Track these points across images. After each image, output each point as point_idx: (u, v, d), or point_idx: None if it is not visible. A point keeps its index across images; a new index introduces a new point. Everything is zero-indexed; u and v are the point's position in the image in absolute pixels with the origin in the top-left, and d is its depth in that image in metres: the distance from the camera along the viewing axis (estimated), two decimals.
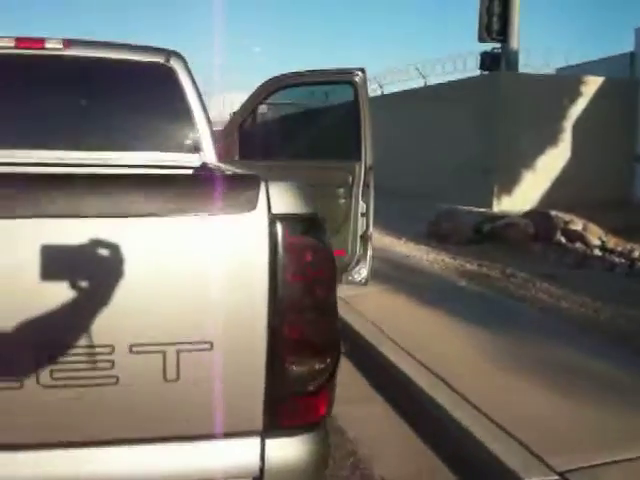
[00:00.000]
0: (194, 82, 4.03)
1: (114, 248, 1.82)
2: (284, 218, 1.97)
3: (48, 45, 3.84)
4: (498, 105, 14.38)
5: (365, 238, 5.04)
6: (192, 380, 1.92)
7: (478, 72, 16.00)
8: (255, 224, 1.93)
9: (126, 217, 1.85)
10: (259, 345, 1.96)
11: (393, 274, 7.40)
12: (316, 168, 5.04)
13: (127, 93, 4.06)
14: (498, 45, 15.56)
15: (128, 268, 1.84)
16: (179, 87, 3.95)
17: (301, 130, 5.77)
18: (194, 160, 3.96)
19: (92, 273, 1.85)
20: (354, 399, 4.46)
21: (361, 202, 4.97)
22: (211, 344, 1.92)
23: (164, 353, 1.89)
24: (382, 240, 10.08)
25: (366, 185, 4.97)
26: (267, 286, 1.94)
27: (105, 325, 1.84)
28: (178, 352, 1.89)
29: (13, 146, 3.77)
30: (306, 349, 2.05)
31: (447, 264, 8.19)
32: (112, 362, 1.86)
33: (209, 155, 4.00)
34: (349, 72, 4.91)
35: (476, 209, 13.51)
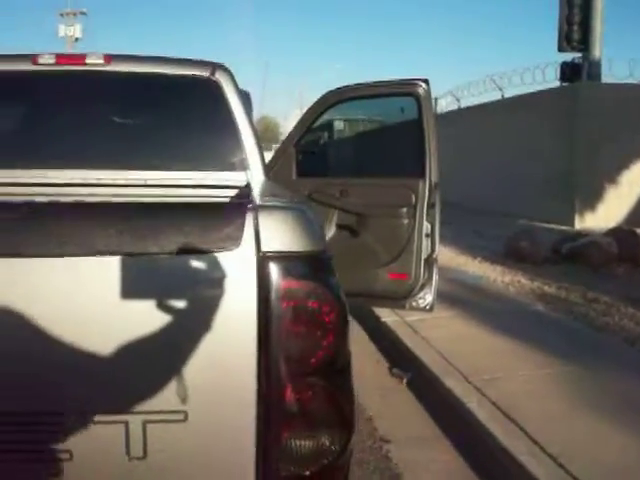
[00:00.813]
0: (241, 96, 3.78)
1: (56, 291, 1.51)
2: (278, 257, 1.59)
3: (89, 61, 3.67)
4: (579, 117, 13.72)
5: (430, 261, 4.66)
6: (162, 458, 1.57)
7: (558, 83, 15.32)
8: (239, 265, 1.57)
9: (75, 256, 1.54)
10: (247, 416, 1.59)
11: (465, 297, 6.98)
12: (377, 186, 4.75)
13: (171, 109, 3.83)
14: (579, 55, 14.93)
15: (75, 316, 1.52)
16: (225, 102, 3.70)
17: (362, 145, 5.47)
18: (240, 179, 3.70)
19: (32, 322, 1.52)
20: (415, 438, 4.10)
21: (425, 222, 4.60)
22: (185, 414, 1.57)
23: (126, 424, 1.55)
24: (456, 259, 9.67)
25: (431, 204, 4.60)
26: (256, 342, 1.58)
27: (50, 387, 1.52)
28: (144, 423, 1.55)
29: (54, 166, 3.60)
30: (308, 421, 1.66)
31: (524, 286, 7.68)
32: (62, 433, 1.53)
33: (256, 173, 3.73)
34: (412, 83, 4.56)
35: (557, 226, 12.91)
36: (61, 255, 1.52)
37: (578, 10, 14.73)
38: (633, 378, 4.54)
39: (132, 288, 1.56)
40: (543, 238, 10.15)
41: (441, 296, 6.23)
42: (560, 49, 15.02)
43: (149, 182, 3.62)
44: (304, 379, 1.63)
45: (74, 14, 40.17)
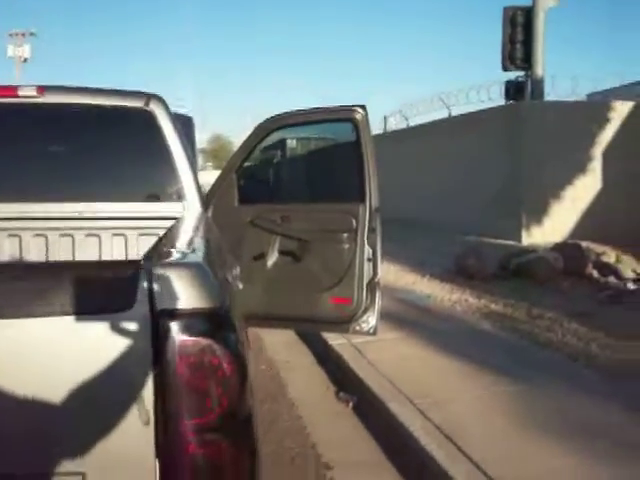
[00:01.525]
0: (175, 126, 3.76)
1: None
2: (173, 315, 1.56)
3: (21, 92, 3.63)
4: (524, 134, 13.97)
5: (372, 285, 4.66)
6: None
7: (503, 101, 15.62)
8: (134, 324, 1.55)
9: None
10: (147, 476, 1.55)
11: (411, 317, 7.02)
12: (318, 212, 4.76)
13: (106, 140, 3.80)
14: (522, 73, 15.24)
15: None
16: (159, 132, 3.69)
17: (304, 171, 5.48)
18: (177, 209, 3.68)
19: None
20: (362, 464, 4.10)
21: (367, 247, 4.61)
22: (83, 476, 1.53)
23: None
24: (405, 277, 9.74)
25: (372, 229, 4.62)
26: (152, 401, 1.55)
27: None
28: None
29: None
30: (209, 479, 1.62)
31: (470, 305, 7.76)
32: None
33: (192, 203, 3.72)
34: (349, 109, 4.59)
35: (505, 242, 13.10)
36: None
37: (520, 29, 15.02)
38: (576, 394, 4.62)
39: (20, 351, 1.53)
40: (491, 255, 10.28)
41: (388, 317, 6.28)
42: (504, 68, 15.29)
43: (84, 214, 3.59)
44: (203, 435, 1.60)
45: (23, 35, 39.63)
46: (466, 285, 8.94)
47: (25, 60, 39.25)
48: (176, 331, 1.57)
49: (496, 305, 7.67)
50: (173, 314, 1.57)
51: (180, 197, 3.70)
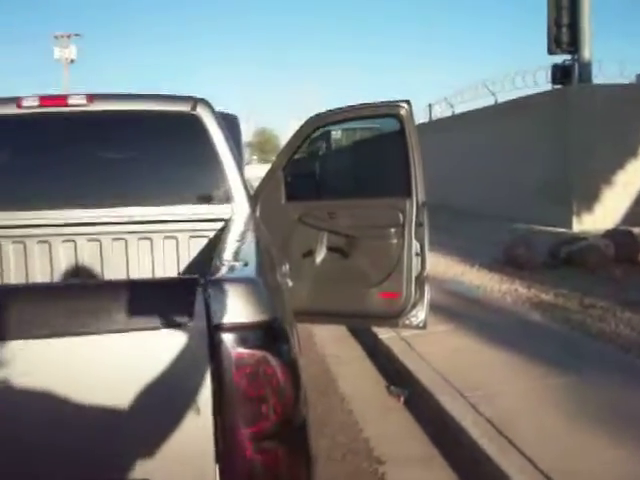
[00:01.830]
0: (222, 129, 3.83)
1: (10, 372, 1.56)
2: (229, 328, 1.64)
3: (71, 101, 3.74)
4: (572, 119, 13.75)
5: (421, 279, 4.68)
6: None
7: (550, 86, 15.36)
8: (192, 338, 1.62)
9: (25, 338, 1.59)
10: None
11: (461, 309, 6.99)
12: (365, 207, 4.79)
13: (154, 144, 3.89)
14: (569, 57, 14.97)
15: (36, 395, 1.58)
16: (206, 136, 3.76)
17: (349, 167, 5.51)
18: (226, 211, 3.76)
19: None
20: (413, 458, 4.12)
21: (414, 241, 4.63)
22: None
23: None
24: (453, 268, 9.69)
25: (419, 223, 4.63)
26: (211, 411, 1.63)
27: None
28: None
29: (38, 207, 3.67)
30: None
31: (520, 295, 7.69)
32: None
33: (241, 205, 3.79)
34: (394, 105, 4.60)
35: (555, 229, 12.93)
36: (18, 338, 1.59)
37: (566, 12, 14.76)
38: (628, 386, 4.57)
39: (86, 367, 1.61)
40: (540, 243, 10.17)
41: (438, 309, 6.29)
42: (550, 52, 15.06)
43: (135, 219, 3.69)
44: (260, 443, 1.67)
45: (68, 36, 40.33)
46: (516, 275, 8.86)
47: (72, 61, 39.95)
48: (232, 344, 1.64)
49: (546, 295, 7.59)
50: (229, 328, 1.64)
51: (228, 199, 3.77)
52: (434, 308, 6.20)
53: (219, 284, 1.66)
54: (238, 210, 3.76)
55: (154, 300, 1.64)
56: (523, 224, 13.70)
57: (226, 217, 3.71)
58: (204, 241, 3.77)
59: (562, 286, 7.97)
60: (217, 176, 3.77)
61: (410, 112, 4.59)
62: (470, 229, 14.07)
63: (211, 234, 3.73)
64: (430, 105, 23.79)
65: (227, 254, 2.23)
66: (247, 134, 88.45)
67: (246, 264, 1.92)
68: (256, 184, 5.01)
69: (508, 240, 10.36)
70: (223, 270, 1.82)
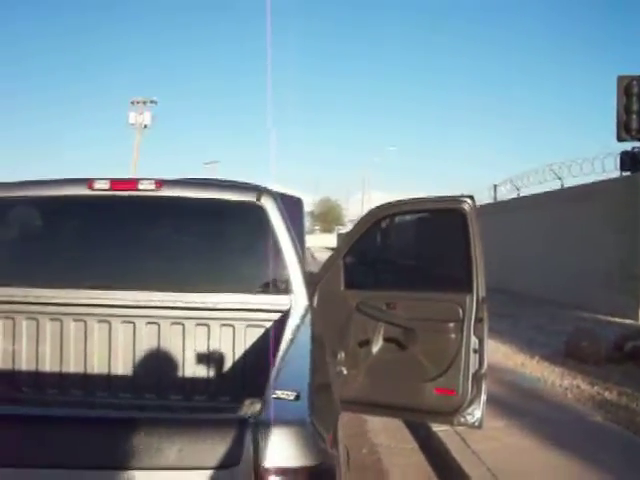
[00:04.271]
0: (285, 220, 3.90)
1: None
2: (277, 472, 1.62)
3: (141, 186, 3.86)
4: None
5: (478, 376, 4.58)
6: None
7: (618, 173, 15.15)
8: None
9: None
10: None
11: (520, 404, 6.79)
12: (424, 300, 4.75)
13: (217, 232, 3.99)
14: (639, 144, 14.77)
15: None
16: (269, 226, 3.83)
17: (409, 257, 5.49)
18: (284, 302, 3.79)
19: None
20: None
21: (473, 337, 4.56)
22: None
23: None
24: (513, 358, 9.45)
25: (479, 319, 4.57)
26: None
27: None
28: None
29: (100, 287, 3.77)
30: None
31: (582, 392, 7.43)
32: None
33: (299, 297, 3.82)
34: (457, 200, 4.62)
35: (621, 320, 12.55)
36: (58, 466, 1.63)
37: (636, 99, 14.64)
38: None
39: None
40: (605, 335, 9.86)
41: (495, 402, 6.13)
42: (619, 139, 14.87)
43: (193, 305, 3.75)
44: None
45: (144, 102, 41.88)
46: (578, 369, 8.59)
47: (145, 127, 41.38)
48: None
49: (610, 393, 7.31)
50: (275, 471, 1.63)
51: (288, 290, 3.81)
52: (491, 401, 6.05)
53: (268, 426, 1.66)
54: (296, 302, 3.79)
55: (205, 439, 1.64)
56: (587, 313, 13.36)
57: (284, 308, 3.74)
58: (261, 331, 3.79)
59: (627, 384, 7.67)
60: (278, 267, 3.82)
61: (473, 207, 4.58)
62: (532, 315, 13.77)
63: (268, 324, 3.76)
64: (495, 186, 23.74)
65: (282, 371, 2.23)
66: (312, 203, 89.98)
67: (298, 397, 1.90)
68: (317, 254, 5.07)
69: (571, 330, 10.09)
70: (273, 405, 1.81)
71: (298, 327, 3.32)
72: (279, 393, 1.90)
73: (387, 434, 6.34)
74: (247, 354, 3.76)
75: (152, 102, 41.75)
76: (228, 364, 3.77)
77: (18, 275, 3.82)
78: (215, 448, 1.62)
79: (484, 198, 24.29)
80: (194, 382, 3.78)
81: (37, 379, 3.84)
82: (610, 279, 13.73)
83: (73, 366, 3.85)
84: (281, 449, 1.64)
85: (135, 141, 41.49)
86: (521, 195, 20.90)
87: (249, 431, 1.63)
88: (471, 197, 4.61)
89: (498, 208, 22.59)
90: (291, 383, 2.05)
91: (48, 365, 3.85)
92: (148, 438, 1.66)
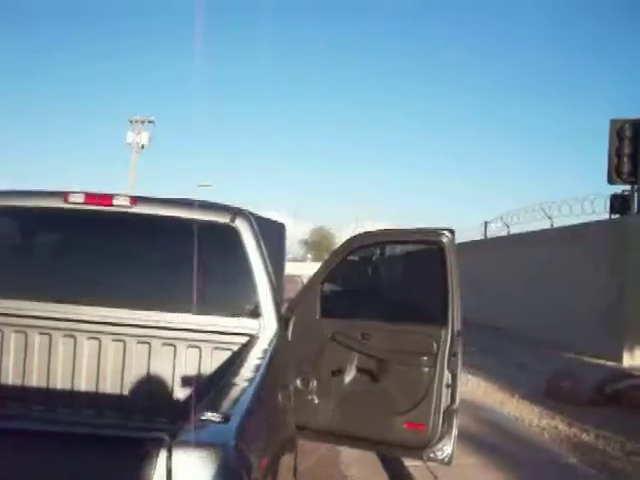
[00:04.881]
0: (259, 243, 3.87)
1: None
2: None
3: (116, 202, 3.83)
4: (630, 250, 13.48)
5: (450, 412, 4.53)
6: None
7: (607, 215, 15.21)
8: None
9: None
10: None
11: (494, 442, 6.71)
12: (398, 332, 4.70)
13: (188, 252, 3.91)
14: (629, 187, 14.86)
15: None
16: (242, 248, 3.80)
17: (386, 287, 5.47)
18: (253, 326, 3.74)
19: None
20: None
21: (446, 372, 4.51)
22: None
23: None
24: (493, 395, 9.40)
25: (453, 353, 4.52)
26: None
27: None
28: None
29: (67, 301, 3.72)
30: None
31: (559, 433, 7.36)
32: None
33: (269, 321, 3.77)
34: (436, 232, 4.59)
35: (604, 362, 12.50)
36: None
37: (628, 142, 14.73)
38: None
39: None
40: (587, 376, 9.80)
41: (470, 439, 6.08)
42: (610, 181, 14.96)
43: (160, 324, 3.71)
44: None
45: (142, 122, 41.95)
46: (557, 409, 8.52)
47: (142, 147, 41.42)
48: None
49: (587, 435, 7.25)
50: None
51: (257, 314, 3.77)
52: (466, 438, 6.00)
53: (184, 447, 1.59)
54: (265, 326, 3.74)
55: (118, 458, 1.58)
56: (572, 353, 13.32)
57: (252, 332, 3.69)
58: (227, 354, 3.74)
59: (605, 427, 7.60)
60: (248, 291, 3.78)
61: (452, 241, 4.56)
62: (516, 353, 13.72)
63: (235, 348, 3.71)
64: (486, 223, 23.79)
65: (224, 394, 2.18)
66: (304, 232, 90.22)
67: (226, 419, 1.84)
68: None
69: (553, 370, 10.03)
70: (195, 426, 1.74)
71: (263, 351, 3.28)
72: (208, 415, 1.85)
73: (358, 466, 6.24)
74: (211, 377, 3.71)
75: (150, 122, 41.84)
76: (191, 386, 3.71)
77: None
78: (125, 467, 1.55)
79: (475, 234, 24.36)
80: (154, 401, 3.71)
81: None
82: (596, 321, 13.71)
83: (35, 380, 3.79)
84: (195, 471, 1.57)
85: (132, 160, 41.51)
86: (511, 233, 20.95)
87: (162, 452, 1.57)
88: (450, 230, 4.59)
89: (488, 245, 22.64)
90: (227, 406, 2.00)
91: (11, 378, 3.79)
92: (44, 454, 1.59)
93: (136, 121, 41.83)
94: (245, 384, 2.44)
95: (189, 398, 3.49)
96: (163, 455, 1.57)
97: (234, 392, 2.28)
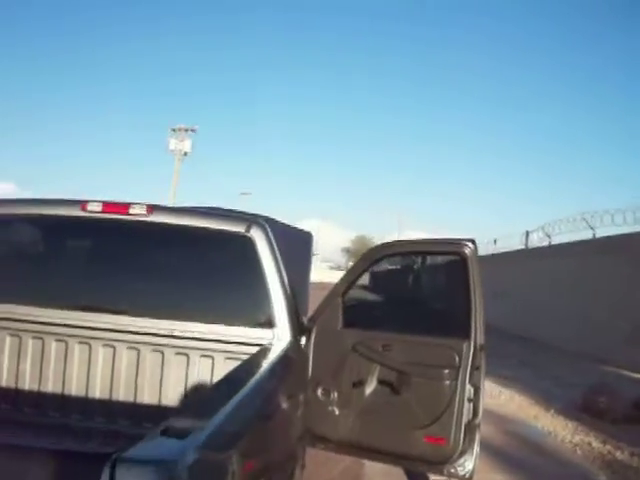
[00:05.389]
0: (274, 252, 3.83)
1: None
2: None
3: (132, 211, 3.84)
4: None
5: (472, 427, 4.42)
6: None
7: None
8: None
9: None
10: None
11: (524, 457, 6.57)
12: (420, 344, 4.62)
13: (204, 261, 3.92)
14: None
15: None
16: (257, 258, 3.77)
17: (408, 298, 5.38)
18: (266, 336, 3.71)
19: None
20: None
21: (468, 386, 4.41)
22: None
23: None
24: (527, 409, 9.21)
25: (475, 367, 4.42)
26: None
27: None
28: None
29: (82, 308, 3.74)
30: None
31: (593, 450, 7.16)
32: None
33: (283, 331, 3.74)
34: (458, 243, 4.50)
35: None
36: None
37: None
38: None
39: None
40: (624, 391, 9.54)
41: (500, 454, 5.98)
42: None
43: (174, 333, 3.70)
44: None
45: (185, 130, 42.49)
46: (592, 425, 8.30)
47: (185, 154, 41.93)
48: None
49: (621, 453, 7.03)
50: None
51: (271, 324, 3.74)
52: (497, 452, 5.89)
53: (127, 464, 1.55)
54: (279, 336, 3.71)
55: (65, 473, 1.55)
56: (609, 367, 13.00)
57: (266, 342, 3.66)
58: (238, 364, 3.71)
59: None
60: (262, 301, 3.75)
61: (474, 251, 4.47)
62: (553, 366, 13.44)
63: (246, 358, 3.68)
64: (527, 232, 23.45)
65: (201, 403, 2.14)
66: (346, 241, 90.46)
67: (183, 435, 1.77)
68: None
69: (589, 383, 9.80)
70: (146, 441, 1.70)
71: (270, 361, 3.25)
72: (167, 428, 1.80)
73: (384, 479, 6.15)
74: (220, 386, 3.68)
75: (192, 130, 42.35)
76: (202, 395, 3.69)
77: (3, 292, 3.81)
78: None
79: (517, 244, 24.02)
80: (166, 409, 3.69)
81: (16, 397, 3.81)
82: (635, 334, 13.37)
83: (51, 386, 3.81)
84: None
85: (175, 167, 42.05)
86: (553, 243, 20.61)
87: (106, 467, 1.53)
88: (472, 241, 4.49)
89: (528, 255, 22.32)
90: (200, 417, 1.96)
91: (27, 382, 3.82)
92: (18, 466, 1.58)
93: (179, 129, 42.37)
94: (233, 393, 2.40)
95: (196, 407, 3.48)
96: (107, 471, 1.54)
97: (215, 402, 2.25)
